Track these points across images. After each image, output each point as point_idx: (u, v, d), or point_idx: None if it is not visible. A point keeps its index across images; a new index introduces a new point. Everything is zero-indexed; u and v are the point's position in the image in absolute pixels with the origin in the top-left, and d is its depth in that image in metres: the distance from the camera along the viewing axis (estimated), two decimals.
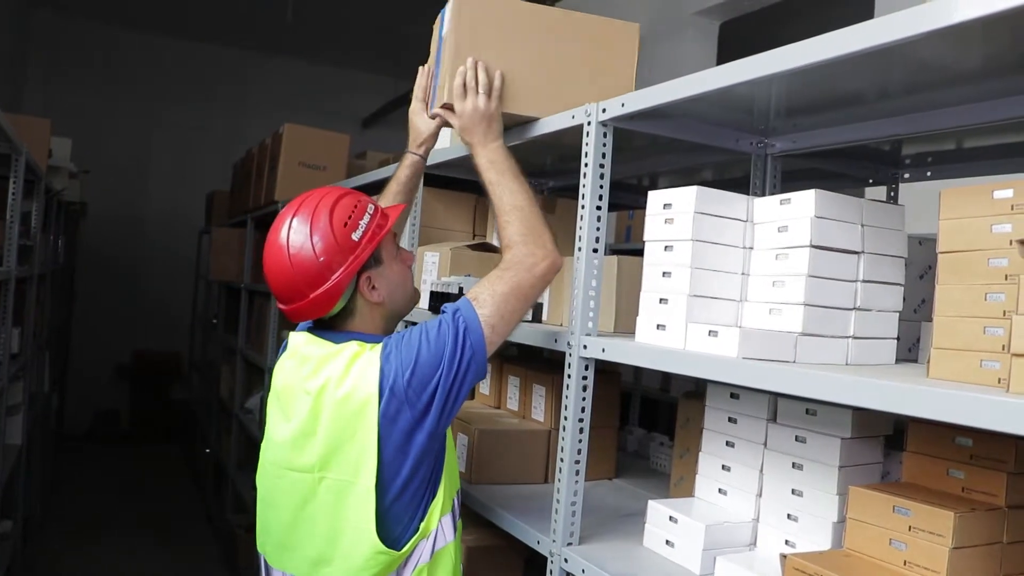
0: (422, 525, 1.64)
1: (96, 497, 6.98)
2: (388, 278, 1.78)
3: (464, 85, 2.02)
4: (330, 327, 1.78)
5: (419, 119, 2.24)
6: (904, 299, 1.67)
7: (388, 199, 2.18)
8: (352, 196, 1.77)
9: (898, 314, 1.66)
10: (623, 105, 1.77)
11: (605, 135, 1.84)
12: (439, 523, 1.67)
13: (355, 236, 1.70)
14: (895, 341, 1.65)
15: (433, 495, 1.66)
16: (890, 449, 1.74)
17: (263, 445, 1.82)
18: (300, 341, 1.77)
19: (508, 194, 1.86)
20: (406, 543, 1.62)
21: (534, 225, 1.80)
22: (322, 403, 1.64)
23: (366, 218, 1.73)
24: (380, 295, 1.76)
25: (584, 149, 1.86)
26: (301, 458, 1.67)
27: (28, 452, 5.12)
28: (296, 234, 1.69)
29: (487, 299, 1.69)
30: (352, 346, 1.67)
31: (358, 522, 1.59)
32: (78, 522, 6.29)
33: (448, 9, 2.14)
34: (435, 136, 2.27)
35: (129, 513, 6.61)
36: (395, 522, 1.62)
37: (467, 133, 2.02)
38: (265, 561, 1.80)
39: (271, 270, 1.73)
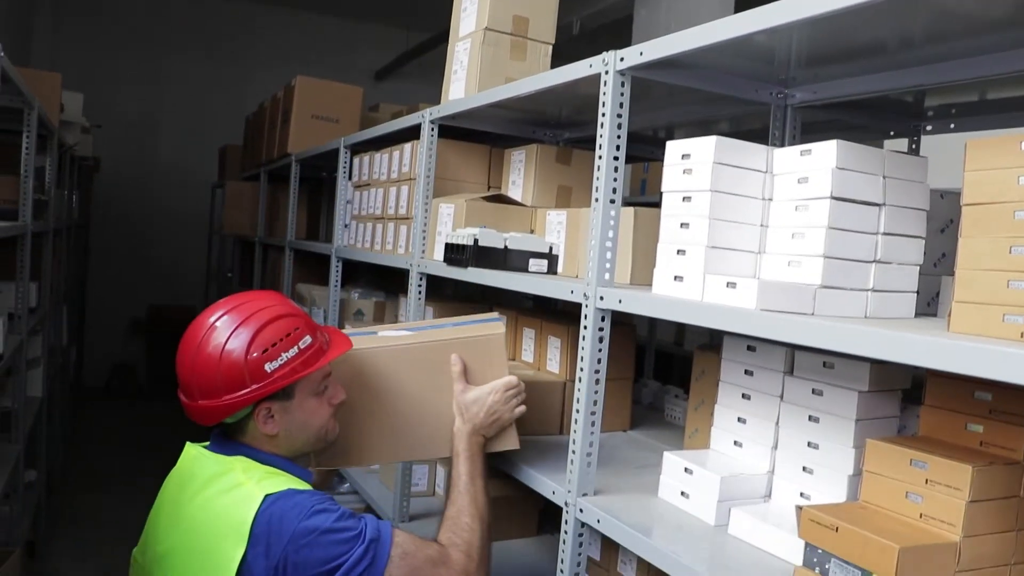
0: None
1: (116, 450, 7.08)
2: (293, 415, 1.70)
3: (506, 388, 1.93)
4: (224, 434, 1.73)
5: None
6: (924, 253, 1.65)
7: None
8: (291, 321, 1.68)
9: (919, 267, 1.64)
10: (641, 54, 1.74)
11: (623, 84, 1.81)
12: None
13: (269, 367, 1.62)
14: (915, 295, 1.63)
15: None
16: (907, 403, 1.74)
17: (143, 537, 1.76)
18: (191, 455, 1.73)
19: (477, 499, 1.82)
20: None
21: (484, 544, 1.78)
22: (192, 533, 1.59)
23: (292, 351, 1.64)
24: (275, 428, 1.68)
25: (601, 99, 1.83)
26: None
27: (49, 405, 5.19)
28: (213, 338, 1.62)
29: (408, 567, 1.61)
30: (236, 473, 1.62)
31: None
32: (99, 474, 6.40)
33: None
34: None
35: (150, 465, 6.70)
36: None
37: (467, 409, 1.91)
38: None
39: (179, 357, 1.67)
